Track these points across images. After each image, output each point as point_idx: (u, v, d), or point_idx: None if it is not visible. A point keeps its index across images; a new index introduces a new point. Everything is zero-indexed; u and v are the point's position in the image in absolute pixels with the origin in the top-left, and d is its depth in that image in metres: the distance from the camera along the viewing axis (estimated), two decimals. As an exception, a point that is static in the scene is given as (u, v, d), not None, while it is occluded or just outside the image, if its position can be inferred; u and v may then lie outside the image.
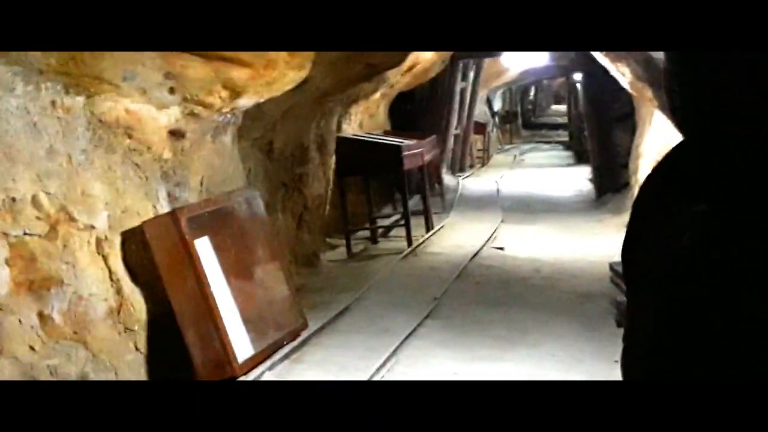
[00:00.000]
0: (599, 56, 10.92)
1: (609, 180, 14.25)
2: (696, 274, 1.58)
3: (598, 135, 14.77)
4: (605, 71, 11.07)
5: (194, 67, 5.11)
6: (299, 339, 6.27)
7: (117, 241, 5.17)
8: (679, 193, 1.72)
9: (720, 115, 1.64)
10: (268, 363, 5.70)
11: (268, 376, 5.56)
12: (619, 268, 7.20)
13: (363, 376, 5.49)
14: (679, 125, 1.76)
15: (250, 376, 5.46)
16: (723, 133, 1.64)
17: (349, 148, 10.19)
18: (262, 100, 6.19)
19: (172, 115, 5.51)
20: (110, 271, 5.08)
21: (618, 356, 1.88)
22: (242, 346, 5.53)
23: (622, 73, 9.30)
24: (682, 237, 1.64)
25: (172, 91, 5.21)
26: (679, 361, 1.58)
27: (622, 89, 11.32)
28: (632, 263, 1.87)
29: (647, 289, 1.74)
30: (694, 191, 1.67)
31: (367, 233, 11.00)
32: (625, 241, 1.92)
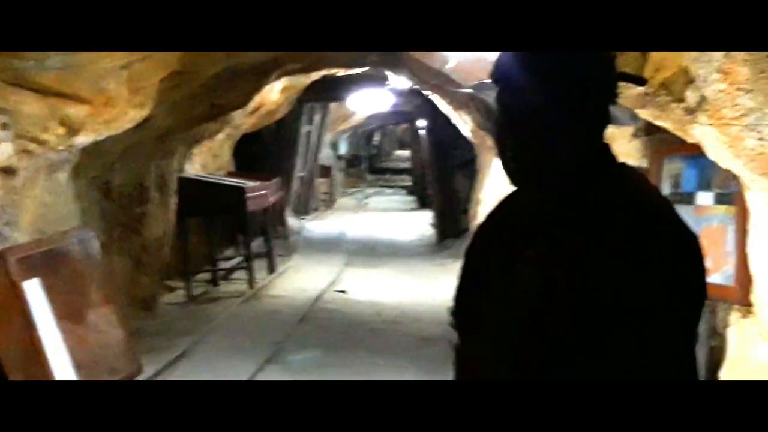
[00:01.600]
0: (442, 104, 11.26)
1: (450, 225, 14.64)
2: (534, 317, 1.66)
3: (440, 181, 15.17)
4: (448, 119, 11.44)
5: (29, 103, 4.95)
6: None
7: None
8: (512, 238, 1.79)
9: (546, 161, 1.73)
10: (99, 411, 5.49)
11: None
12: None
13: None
14: (511, 177, 1.83)
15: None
16: (552, 182, 1.74)
17: (191, 188, 10.06)
18: (100, 137, 6.05)
19: (3, 152, 5.30)
20: (-71, 314, 4.80)
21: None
22: (72, 393, 5.32)
23: (464, 120, 9.64)
24: (516, 282, 1.71)
25: (4, 126, 5.02)
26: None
27: (464, 136, 11.73)
28: (465, 309, 1.92)
29: (482, 336, 1.80)
30: (527, 235, 1.75)
31: (208, 276, 10.84)
32: (457, 288, 1.95)
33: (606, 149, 1.78)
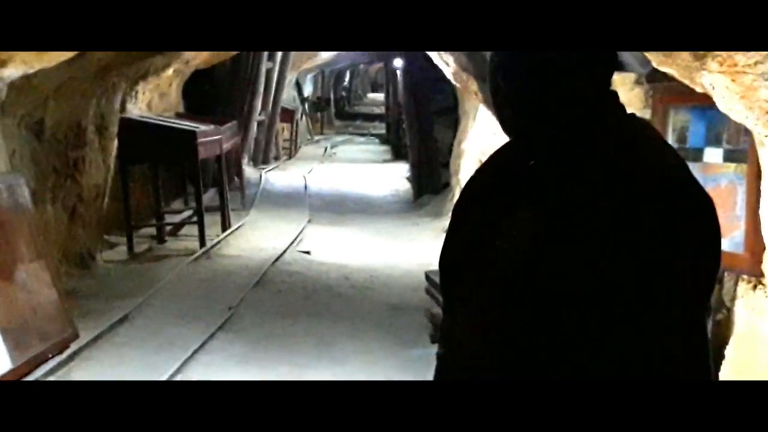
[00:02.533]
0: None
1: (428, 180, 14.68)
2: (520, 281, 1.68)
3: (418, 129, 15.17)
4: (428, 59, 11.41)
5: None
6: (67, 352, 6.10)
7: None
8: (503, 197, 1.81)
9: (546, 116, 1.74)
10: (29, 379, 5.52)
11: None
12: (436, 278, 7.46)
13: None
14: (504, 123, 1.84)
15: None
16: (549, 136, 1.75)
17: (134, 131, 9.99)
18: (31, 71, 5.98)
19: None
20: None
21: (431, 373, 1.96)
22: (-2, 360, 5.34)
23: (445, 62, 9.60)
24: (505, 244, 1.73)
25: None
26: (506, 364, 1.69)
27: (446, 80, 11.71)
28: (450, 271, 1.94)
29: (468, 299, 1.82)
30: (518, 196, 1.76)
31: (153, 231, 10.81)
32: (443, 247, 1.98)
33: (613, 98, 1.80)
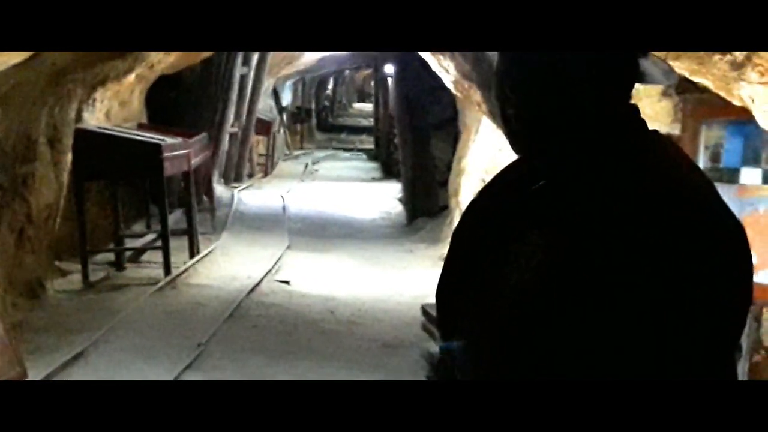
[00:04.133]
0: (417, 46, 11.24)
1: (424, 201, 14.70)
2: (531, 313, 1.68)
3: (413, 144, 15.20)
4: (424, 65, 11.44)
5: None
6: (15, 394, 6.06)
7: None
8: (510, 221, 1.81)
9: (559, 131, 1.74)
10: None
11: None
12: (433, 311, 7.46)
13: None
14: (512, 138, 1.85)
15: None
16: (562, 153, 1.75)
17: (92, 144, 9.98)
18: (-24, 74, 5.97)
19: None
20: None
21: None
22: (-65, 404, 5.29)
23: (445, 68, 9.64)
24: (514, 272, 1.73)
25: None
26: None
27: (444, 89, 11.74)
28: (449, 303, 1.94)
29: (470, 333, 1.82)
30: (527, 219, 1.77)
31: (111, 256, 10.80)
32: (441, 276, 1.98)
33: (633, 113, 1.80)
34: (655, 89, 4.70)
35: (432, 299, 7.78)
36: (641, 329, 1.59)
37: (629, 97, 1.79)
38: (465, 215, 1.99)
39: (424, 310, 7.98)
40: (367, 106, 36.95)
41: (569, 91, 1.72)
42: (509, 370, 1.72)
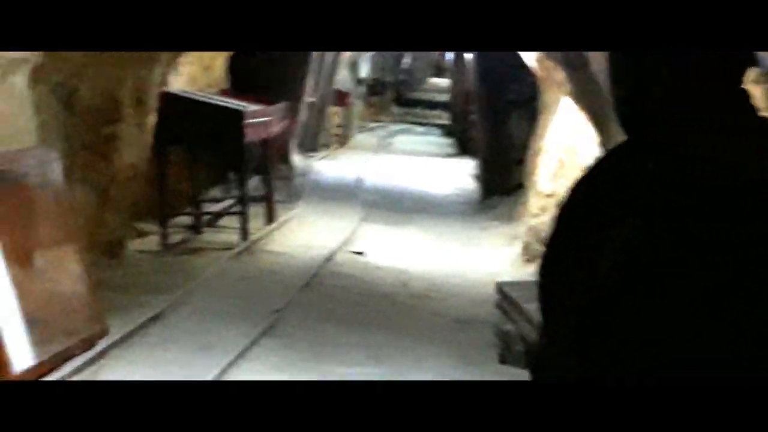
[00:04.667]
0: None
1: (499, 179, 14.62)
2: (621, 298, 1.68)
3: (490, 121, 15.11)
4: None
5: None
6: (96, 349, 6.18)
7: None
8: (615, 205, 1.80)
9: (670, 113, 1.73)
10: (53, 377, 5.60)
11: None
12: (509, 290, 7.44)
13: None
14: (623, 122, 1.84)
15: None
16: (672, 136, 1.74)
17: (175, 108, 10.05)
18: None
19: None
20: None
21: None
22: (20, 353, 5.42)
23: (529, 46, 9.56)
24: (610, 254, 1.73)
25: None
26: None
27: (524, 66, 11.66)
28: (553, 285, 1.94)
29: (569, 316, 1.82)
30: (631, 202, 1.76)
31: (189, 220, 10.89)
32: (545, 258, 1.98)
33: (744, 98, 1.78)
34: (749, 73, 4.62)
35: (506, 277, 7.72)
36: (738, 311, 1.58)
37: (741, 81, 1.77)
38: (570, 196, 1.98)
39: (500, 288, 7.94)
40: (443, 81, 36.70)
41: (682, 75, 1.71)
42: (602, 346, 1.72)
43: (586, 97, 8.14)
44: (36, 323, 5.64)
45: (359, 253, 10.43)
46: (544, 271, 1.95)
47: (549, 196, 9.86)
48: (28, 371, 5.43)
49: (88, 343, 6.18)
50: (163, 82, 10.40)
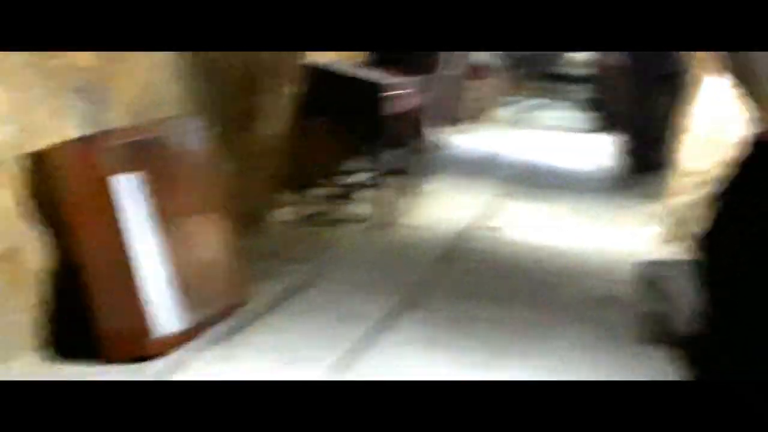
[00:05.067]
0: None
1: (641, 157, 14.36)
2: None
3: (634, 97, 14.85)
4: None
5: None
6: (239, 317, 6.30)
7: (10, 167, 5.13)
8: (755, 190, 1.78)
9: None
10: (198, 344, 5.73)
11: (197, 364, 5.57)
12: (650, 270, 7.34)
13: (322, 370, 5.60)
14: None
15: (171, 359, 5.48)
16: None
17: (316, 80, 10.14)
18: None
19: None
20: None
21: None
22: (166, 319, 5.55)
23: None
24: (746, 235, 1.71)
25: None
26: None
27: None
28: (718, 259, 1.93)
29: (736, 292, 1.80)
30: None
31: (326, 192, 10.98)
32: (708, 233, 1.96)
33: None
34: None
35: (645, 257, 7.62)
36: None
37: None
38: (735, 176, 1.96)
39: (640, 267, 7.84)
40: (579, 56, 36.21)
41: None
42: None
43: (741, 72, 7.90)
44: (183, 290, 5.77)
45: (495, 229, 10.40)
46: (709, 241, 1.94)
47: (694, 174, 9.64)
48: (172, 337, 5.57)
49: (231, 311, 6.30)
50: (303, 54, 10.47)
